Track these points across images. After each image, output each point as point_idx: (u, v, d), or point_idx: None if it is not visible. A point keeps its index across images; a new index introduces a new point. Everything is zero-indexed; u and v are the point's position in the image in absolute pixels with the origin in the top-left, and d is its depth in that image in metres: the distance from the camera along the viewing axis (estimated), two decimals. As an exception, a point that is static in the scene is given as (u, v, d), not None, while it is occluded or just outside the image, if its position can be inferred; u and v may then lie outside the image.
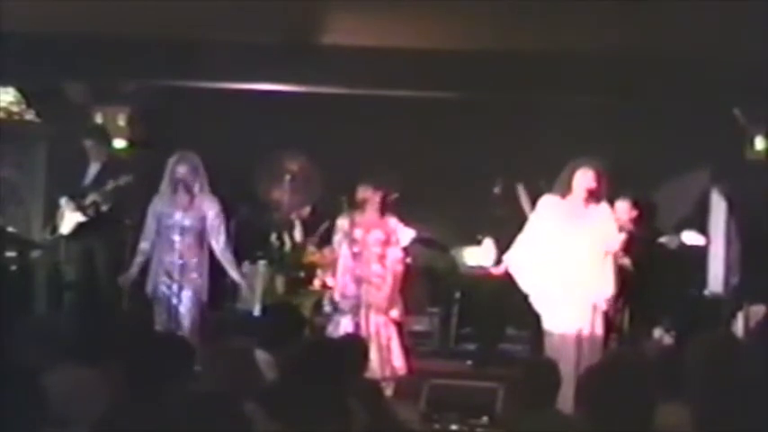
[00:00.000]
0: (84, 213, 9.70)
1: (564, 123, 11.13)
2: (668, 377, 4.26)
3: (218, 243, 8.96)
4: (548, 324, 8.32)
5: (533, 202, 10.01)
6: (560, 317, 8.24)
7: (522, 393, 5.65)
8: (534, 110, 11.17)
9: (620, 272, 8.52)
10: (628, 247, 8.71)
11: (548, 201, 8.43)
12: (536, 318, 10.22)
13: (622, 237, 8.43)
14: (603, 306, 8.35)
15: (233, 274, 9.11)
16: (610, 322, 8.50)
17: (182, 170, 8.89)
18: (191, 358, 4.89)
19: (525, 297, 10.22)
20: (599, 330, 8.31)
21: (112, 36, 9.96)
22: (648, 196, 9.86)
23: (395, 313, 8.81)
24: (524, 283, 8.46)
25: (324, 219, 10.36)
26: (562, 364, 8.00)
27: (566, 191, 8.32)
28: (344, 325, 8.53)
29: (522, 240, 8.51)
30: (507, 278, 10.34)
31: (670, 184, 10.73)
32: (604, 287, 8.32)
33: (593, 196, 8.31)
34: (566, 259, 8.29)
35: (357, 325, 8.47)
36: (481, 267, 10.66)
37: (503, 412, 7.36)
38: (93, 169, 9.88)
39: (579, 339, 8.19)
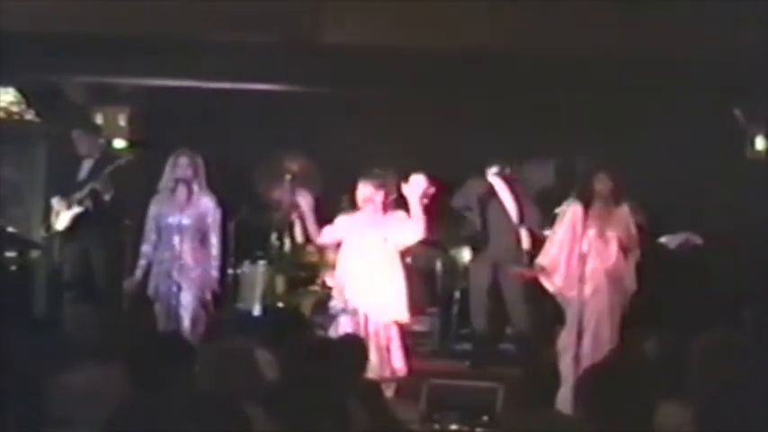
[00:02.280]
0: (81, 204, 9.73)
1: (564, 124, 11.14)
2: (668, 377, 4.26)
3: (214, 243, 8.97)
4: (570, 324, 8.41)
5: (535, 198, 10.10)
6: (586, 317, 8.35)
7: (522, 393, 5.66)
8: (535, 110, 11.17)
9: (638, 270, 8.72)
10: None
11: (570, 205, 8.57)
12: (536, 318, 10.26)
13: (636, 236, 8.63)
14: (625, 305, 8.58)
15: (214, 273, 9.05)
16: (626, 321, 8.67)
17: (183, 169, 8.89)
18: (191, 358, 4.89)
19: (526, 297, 10.25)
20: (618, 329, 8.49)
21: (112, 36, 9.96)
22: (648, 196, 9.85)
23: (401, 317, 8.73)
24: (553, 286, 8.62)
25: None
26: (579, 362, 8.14)
27: (587, 195, 8.47)
28: (344, 325, 8.49)
29: (550, 244, 8.68)
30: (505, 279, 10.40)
31: (669, 183, 10.73)
32: (627, 286, 8.57)
33: (611, 198, 8.57)
34: (593, 260, 8.48)
35: (357, 325, 8.43)
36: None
37: (503, 412, 7.36)
38: (87, 165, 9.92)
39: (604, 338, 8.32)
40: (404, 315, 8.61)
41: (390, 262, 8.63)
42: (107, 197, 9.72)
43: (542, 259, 8.73)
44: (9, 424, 4.01)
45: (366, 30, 9.84)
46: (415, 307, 11.21)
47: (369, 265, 8.56)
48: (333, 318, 8.71)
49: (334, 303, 8.73)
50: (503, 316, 10.52)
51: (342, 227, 8.73)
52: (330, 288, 9.32)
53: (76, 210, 9.79)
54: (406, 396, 8.03)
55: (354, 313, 8.56)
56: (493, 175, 10.43)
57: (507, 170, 10.46)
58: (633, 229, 8.66)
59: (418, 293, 11.30)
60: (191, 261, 8.91)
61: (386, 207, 8.76)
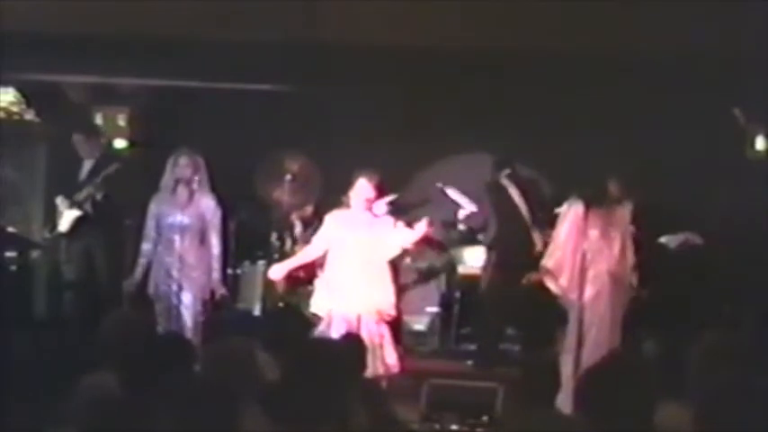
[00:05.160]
0: (80, 208, 9.78)
1: (564, 123, 11.14)
2: (668, 377, 4.26)
3: (214, 244, 8.96)
4: (571, 325, 8.42)
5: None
6: (588, 318, 8.36)
7: (522, 393, 5.66)
8: (534, 109, 11.17)
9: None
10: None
11: (572, 205, 8.57)
12: (536, 318, 10.26)
13: (635, 238, 8.68)
14: (626, 306, 8.61)
15: (216, 275, 9.03)
16: (626, 321, 8.69)
17: (183, 169, 8.88)
18: (191, 358, 4.89)
19: (526, 297, 10.25)
20: (618, 329, 8.51)
21: (112, 36, 9.96)
22: (648, 196, 9.86)
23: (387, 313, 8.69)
24: (559, 288, 8.63)
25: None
26: (579, 362, 8.15)
27: (600, 197, 8.51)
28: (336, 323, 8.45)
29: (554, 246, 8.66)
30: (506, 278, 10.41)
31: (670, 183, 10.73)
32: (629, 287, 8.61)
33: (618, 200, 8.63)
34: (596, 262, 8.50)
35: (348, 323, 8.40)
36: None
37: (503, 412, 7.36)
38: (87, 165, 9.97)
39: (604, 338, 8.35)
40: (391, 312, 8.58)
41: (380, 261, 8.60)
42: (103, 199, 9.77)
43: (547, 261, 8.69)
44: (9, 424, 4.01)
45: (366, 30, 9.84)
46: (415, 306, 11.26)
47: (359, 263, 8.53)
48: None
49: (317, 301, 8.67)
50: (505, 316, 10.54)
51: (332, 227, 8.69)
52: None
53: (76, 213, 9.82)
54: (406, 396, 8.02)
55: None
56: (505, 178, 10.46)
57: (517, 172, 10.52)
58: (632, 231, 8.69)
59: (418, 293, 11.33)
60: (191, 261, 8.90)
61: (378, 207, 8.76)
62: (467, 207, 10.62)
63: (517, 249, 10.26)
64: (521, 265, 10.15)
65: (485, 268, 10.54)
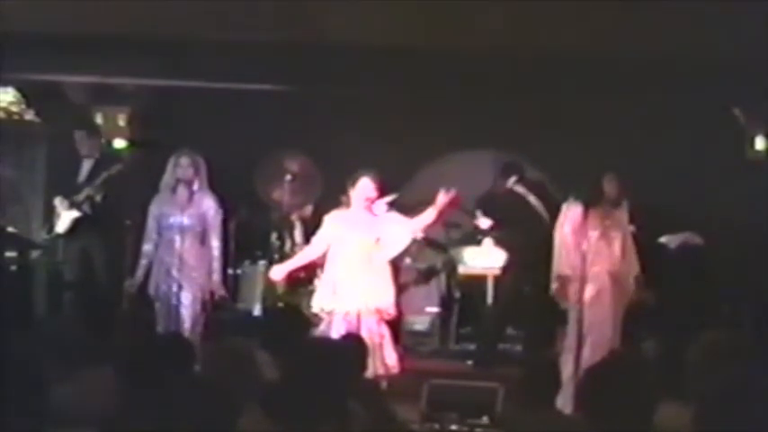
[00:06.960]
0: (79, 209, 9.78)
1: (564, 123, 11.14)
2: (668, 377, 4.26)
3: (215, 245, 8.96)
4: (572, 325, 8.41)
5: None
6: (588, 318, 8.35)
7: (522, 393, 5.66)
8: (534, 109, 11.18)
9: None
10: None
11: (571, 206, 8.56)
12: (536, 318, 10.26)
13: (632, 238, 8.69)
14: (626, 306, 8.64)
15: (216, 276, 9.03)
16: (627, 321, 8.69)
17: (183, 169, 8.89)
18: (191, 358, 4.90)
19: (525, 297, 10.24)
20: (619, 329, 8.55)
21: (112, 36, 9.96)
22: (648, 196, 9.86)
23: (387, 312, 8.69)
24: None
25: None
26: (580, 362, 8.15)
27: (596, 197, 8.49)
28: (337, 323, 8.46)
29: (566, 250, 8.63)
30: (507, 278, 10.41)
31: (670, 183, 10.73)
32: (628, 287, 8.66)
33: (615, 201, 8.66)
34: (596, 262, 8.50)
35: (349, 323, 8.40)
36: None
37: (503, 412, 7.36)
38: (87, 165, 9.97)
39: (605, 338, 8.34)
40: (391, 311, 8.58)
41: (381, 261, 8.60)
42: (102, 200, 9.77)
43: (565, 269, 8.65)
44: (9, 424, 4.01)
45: (366, 30, 9.84)
46: (415, 306, 11.26)
47: (359, 263, 8.52)
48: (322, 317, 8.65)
49: (318, 301, 8.67)
50: (503, 316, 10.54)
51: (332, 227, 8.68)
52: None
53: (75, 214, 9.82)
54: (406, 396, 8.02)
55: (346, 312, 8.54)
56: (517, 185, 10.40)
57: (525, 177, 10.48)
58: (631, 231, 8.68)
59: (418, 293, 11.33)
60: (191, 261, 8.91)
61: (377, 207, 8.76)
62: (484, 221, 10.57)
63: (539, 252, 10.21)
64: (539, 268, 10.14)
65: (503, 272, 10.46)
